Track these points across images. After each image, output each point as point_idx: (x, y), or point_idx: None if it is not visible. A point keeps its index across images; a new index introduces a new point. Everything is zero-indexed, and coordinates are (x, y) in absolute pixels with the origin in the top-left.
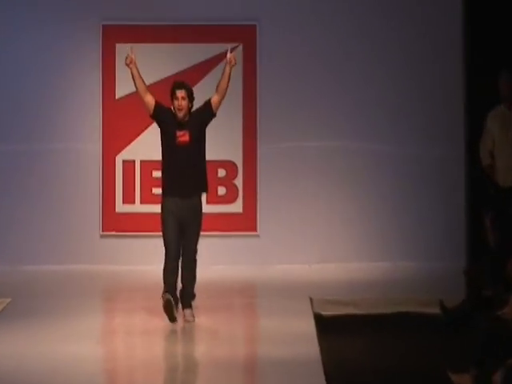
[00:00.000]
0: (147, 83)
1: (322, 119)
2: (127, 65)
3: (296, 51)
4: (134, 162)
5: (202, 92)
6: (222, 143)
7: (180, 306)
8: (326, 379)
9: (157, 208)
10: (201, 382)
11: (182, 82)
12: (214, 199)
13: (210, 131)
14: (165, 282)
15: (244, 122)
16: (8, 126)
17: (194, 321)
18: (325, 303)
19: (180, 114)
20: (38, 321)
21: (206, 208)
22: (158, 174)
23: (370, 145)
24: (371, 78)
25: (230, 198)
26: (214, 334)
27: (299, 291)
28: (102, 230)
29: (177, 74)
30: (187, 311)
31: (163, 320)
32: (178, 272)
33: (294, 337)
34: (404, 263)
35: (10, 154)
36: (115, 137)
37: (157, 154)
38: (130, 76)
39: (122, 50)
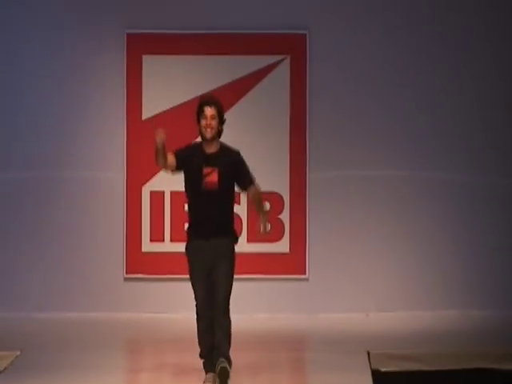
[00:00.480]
0: (176, 103)
1: (383, 143)
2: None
3: (351, 63)
4: (163, 193)
5: (242, 113)
6: (265, 172)
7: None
8: None
9: None
10: None
11: (212, 96)
12: (257, 237)
13: (249, 159)
14: (199, 343)
15: (291, 147)
16: (17, 152)
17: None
18: (384, 358)
19: (208, 135)
20: (50, 378)
21: (247, 247)
22: None
23: (431, 173)
24: (427, 103)
25: (274, 236)
26: None
27: (355, 344)
28: (127, 273)
29: (212, 91)
30: (221, 360)
31: (197, 380)
32: (212, 328)
33: None
34: (472, 311)
35: (15, 181)
36: (141, 164)
37: None
38: (157, 100)
39: (149, 62)
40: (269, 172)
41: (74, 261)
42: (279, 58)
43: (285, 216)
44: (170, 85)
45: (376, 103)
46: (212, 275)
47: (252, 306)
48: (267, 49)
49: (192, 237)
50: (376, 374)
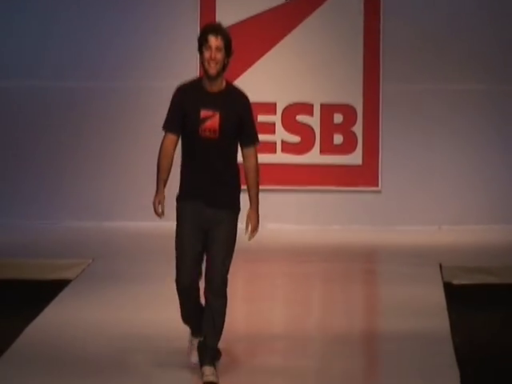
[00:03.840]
0: (250, 14)
1: (459, 56)
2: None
3: None
4: None
5: (316, 25)
6: (338, 84)
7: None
8: (457, 358)
9: (263, 158)
10: (313, 360)
11: (218, 24)
12: (329, 149)
13: (323, 70)
14: (186, 321)
15: (365, 59)
16: (100, 62)
17: (217, 382)
18: (457, 270)
19: (211, 70)
20: (121, 286)
21: (320, 159)
22: (265, 118)
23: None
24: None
25: (347, 148)
26: (329, 304)
27: (427, 256)
28: None
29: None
30: (207, 368)
31: (277, 285)
32: (198, 297)
33: (421, 309)
34: None
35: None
36: None
37: (266, 96)
38: (231, 11)
39: None
40: (342, 82)
41: (147, 172)
42: None
43: (358, 128)
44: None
45: (450, 20)
46: (206, 243)
47: (325, 217)
48: None
49: (183, 201)
50: (448, 287)
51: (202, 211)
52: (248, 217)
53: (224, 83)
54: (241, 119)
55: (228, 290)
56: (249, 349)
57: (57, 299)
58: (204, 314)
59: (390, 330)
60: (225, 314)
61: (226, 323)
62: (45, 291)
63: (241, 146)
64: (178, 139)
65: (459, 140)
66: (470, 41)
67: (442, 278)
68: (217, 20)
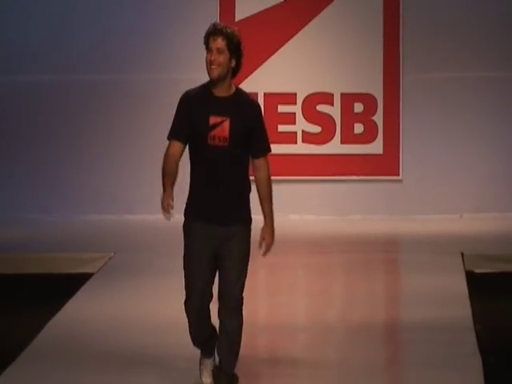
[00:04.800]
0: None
1: (478, 46)
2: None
3: None
4: (256, 94)
5: (337, 15)
6: (358, 73)
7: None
8: (479, 347)
9: (283, 149)
10: (334, 349)
11: (220, 24)
12: (350, 138)
13: (343, 59)
14: (197, 343)
15: (385, 48)
16: (119, 56)
17: None
18: (478, 259)
19: (212, 74)
20: (143, 280)
21: (341, 149)
22: (285, 108)
23: None
24: None
25: (368, 137)
26: (351, 294)
27: (448, 245)
28: None
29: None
30: None
31: (298, 277)
32: (209, 318)
33: (442, 297)
34: None
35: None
36: None
37: (286, 86)
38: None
39: None
40: (362, 72)
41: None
42: None
43: (378, 117)
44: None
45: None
46: (219, 261)
47: (346, 207)
48: None
49: (191, 216)
50: (470, 275)
51: (213, 231)
52: (262, 233)
53: (233, 88)
54: (252, 128)
55: (250, 282)
56: (271, 340)
57: (79, 293)
58: (219, 337)
59: (412, 319)
60: (241, 335)
61: (248, 314)
62: (67, 285)
63: (252, 157)
64: (184, 148)
65: (480, 128)
66: (487, 28)
67: (464, 266)
68: (236, 12)
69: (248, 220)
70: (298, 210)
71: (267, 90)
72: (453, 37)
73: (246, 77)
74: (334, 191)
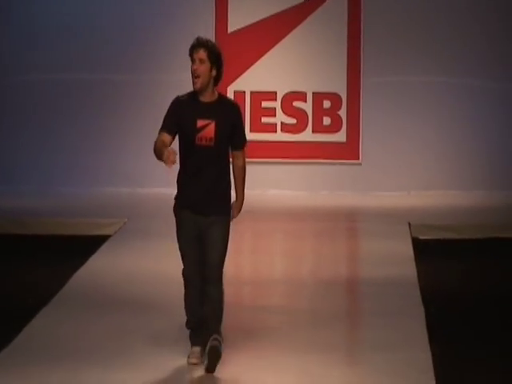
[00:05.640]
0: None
1: (430, 52)
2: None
3: None
4: (244, 92)
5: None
6: (326, 76)
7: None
8: (423, 301)
9: (266, 136)
10: (306, 301)
11: (205, 39)
12: (320, 129)
13: (315, 64)
14: (187, 313)
15: (348, 54)
16: (119, 56)
17: (220, 351)
18: (423, 228)
19: (195, 85)
20: (156, 242)
21: (312, 137)
22: (267, 104)
23: (476, 81)
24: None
25: (334, 128)
26: (319, 254)
27: (398, 216)
28: None
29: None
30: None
31: (276, 240)
32: (202, 290)
33: (393, 259)
34: (499, 192)
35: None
36: (227, 68)
37: (268, 86)
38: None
39: None
40: (330, 74)
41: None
42: None
43: (342, 112)
44: None
45: (427, 12)
46: (203, 239)
47: (316, 184)
48: None
49: (179, 205)
50: (416, 241)
51: (197, 218)
52: (233, 207)
53: (216, 94)
54: (234, 126)
55: (237, 244)
56: (253, 292)
57: (99, 251)
58: (205, 307)
59: (368, 276)
60: (223, 301)
61: (235, 270)
62: (88, 245)
63: (232, 149)
64: (171, 140)
65: (429, 120)
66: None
67: (411, 233)
68: (229, 20)
69: (227, 211)
70: (277, 186)
71: (253, 89)
72: (409, 43)
73: (236, 78)
74: (307, 171)
